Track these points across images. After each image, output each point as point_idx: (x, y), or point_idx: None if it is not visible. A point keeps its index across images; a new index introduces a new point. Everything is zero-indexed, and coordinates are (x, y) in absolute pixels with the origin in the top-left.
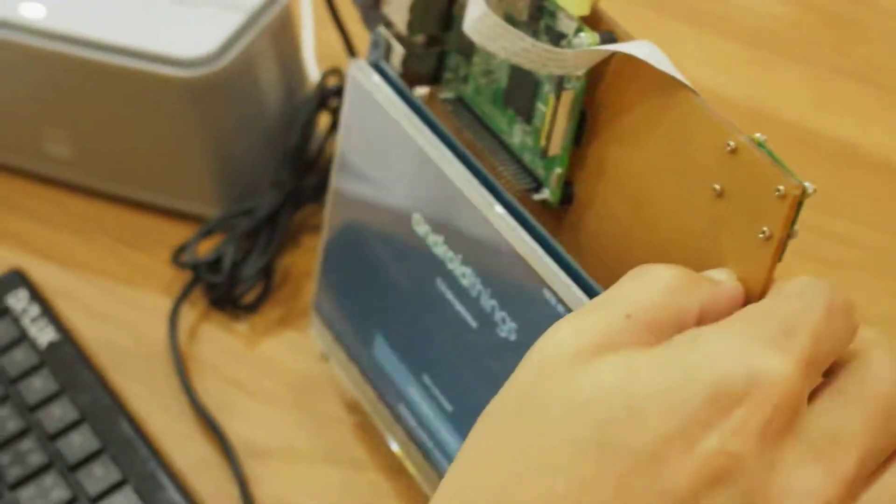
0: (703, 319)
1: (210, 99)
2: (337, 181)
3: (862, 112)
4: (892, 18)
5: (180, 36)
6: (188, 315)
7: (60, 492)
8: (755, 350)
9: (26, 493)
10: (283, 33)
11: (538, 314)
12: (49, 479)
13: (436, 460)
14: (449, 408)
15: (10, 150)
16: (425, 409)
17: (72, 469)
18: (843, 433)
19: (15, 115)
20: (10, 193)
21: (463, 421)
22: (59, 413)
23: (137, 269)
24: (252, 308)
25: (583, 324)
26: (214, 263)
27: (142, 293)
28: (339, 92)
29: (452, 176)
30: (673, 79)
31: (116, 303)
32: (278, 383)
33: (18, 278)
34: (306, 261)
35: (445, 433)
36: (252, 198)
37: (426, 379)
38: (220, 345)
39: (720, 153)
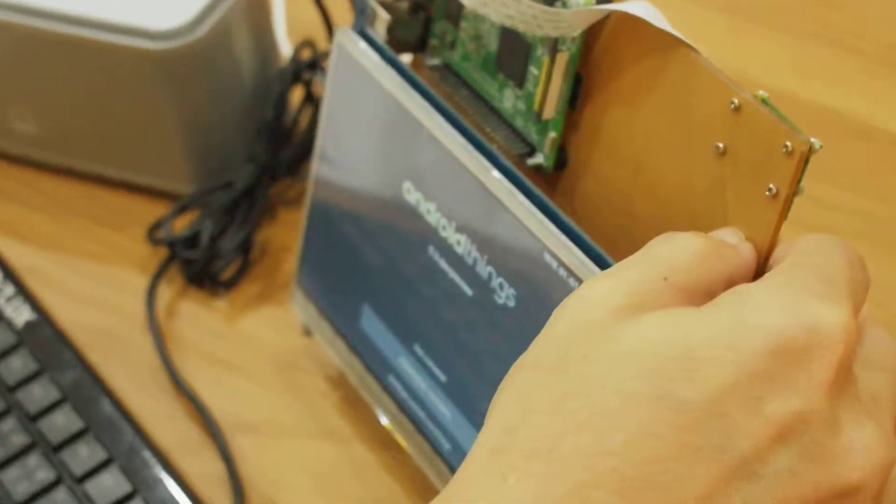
0: (730, 286)
1: (184, 72)
2: (320, 152)
3: (843, 79)
4: None
5: (152, 8)
6: (165, 292)
7: (45, 472)
8: (808, 303)
9: (10, 474)
10: (256, 5)
11: (539, 279)
12: (33, 460)
13: (428, 431)
14: (443, 378)
15: None
16: (417, 379)
17: (56, 449)
18: (879, 395)
19: None
20: None
21: (457, 390)
22: (39, 393)
23: (111, 247)
24: (230, 284)
25: (619, 282)
26: (191, 239)
27: (117, 272)
28: (312, 65)
29: (446, 142)
30: (672, 37)
31: (91, 282)
32: (260, 359)
33: None
34: (284, 235)
35: (439, 403)
36: (226, 173)
37: (418, 349)
38: (199, 321)
39: (723, 111)
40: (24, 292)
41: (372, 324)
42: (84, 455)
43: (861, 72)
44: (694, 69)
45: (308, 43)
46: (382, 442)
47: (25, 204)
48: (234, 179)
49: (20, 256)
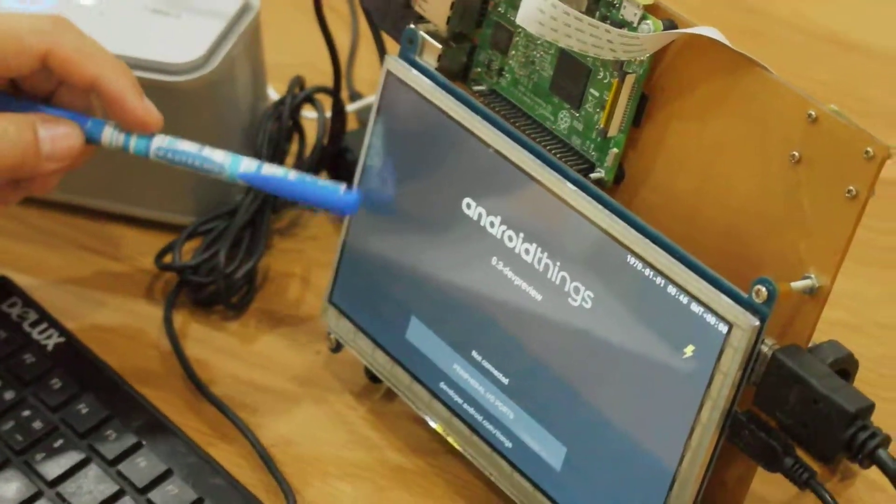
0: None
1: (194, 104)
2: (363, 177)
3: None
4: None
5: (166, 43)
6: (175, 317)
7: (106, 485)
8: None
9: (70, 487)
10: (254, 39)
11: (622, 279)
12: (92, 472)
13: (486, 431)
14: (504, 380)
15: None
16: (473, 384)
17: (112, 463)
18: None
19: None
20: None
21: (521, 391)
22: (85, 411)
23: (111, 276)
24: (241, 308)
25: None
26: (198, 266)
27: (124, 298)
28: (308, 98)
29: (515, 159)
30: (744, 57)
31: (101, 308)
32: (282, 378)
33: (7, 285)
34: (282, 262)
35: (500, 405)
36: (222, 204)
37: (475, 355)
38: (214, 344)
39: (800, 122)
40: (47, 317)
41: (420, 334)
42: (143, 466)
43: None
44: (768, 85)
45: (298, 78)
46: (416, 449)
47: (21, 239)
48: (236, 208)
49: (29, 289)
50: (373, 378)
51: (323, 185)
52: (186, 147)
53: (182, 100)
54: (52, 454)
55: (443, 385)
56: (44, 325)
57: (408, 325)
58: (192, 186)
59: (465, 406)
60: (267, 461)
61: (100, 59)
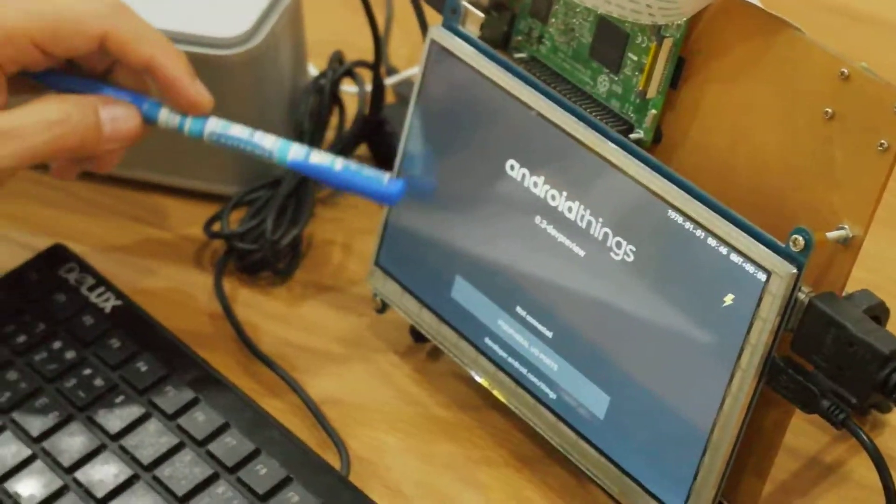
0: None
1: (240, 77)
2: (407, 143)
3: None
4: None
5: (212, 19)
6: (224, 283)
7: (167, 438)
8: None
9: (133, 440)
10: (296, 15)
11: (663, 233)
12: (152, 425)
13: (530, 383)
14: (548, 334)
15: None
16: (518, 338)
17: (171, 417)
18: None
19: None
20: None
21: (565, 343)
22: (144, 369)
23: (160, 244)
24: (287, 274)
25: None
26: (245, 233)
27: (173, 266)
28: (349, 72)
29: (558, 120)
30: (777, 18)
31: (152, 276)
32: (327, 339)
33: (63, 251)
34: (324, 230)
35: (545, 358)
36: (265, 174)
37: (520, 310)
38: (261, 308)
39: (832, 80)
40: (104, 281)
41: (465, 292)
42: (201, 420)
43: None
44: (801, 45)
45: (338, 54)
46: (461, 405)
47: (73, 211)
48: (280, 178)
49: (82, 257)
50: (417, 338)
51: (367, 176)
52: (238, 132)
53: (227, 73)
54: (114, 409)
55: (488, 341)
56: (101, 289)
57: (453, 284)
58: (237, 156)
59: (510, 360)
60: (317, 415)
61: (155, 42)
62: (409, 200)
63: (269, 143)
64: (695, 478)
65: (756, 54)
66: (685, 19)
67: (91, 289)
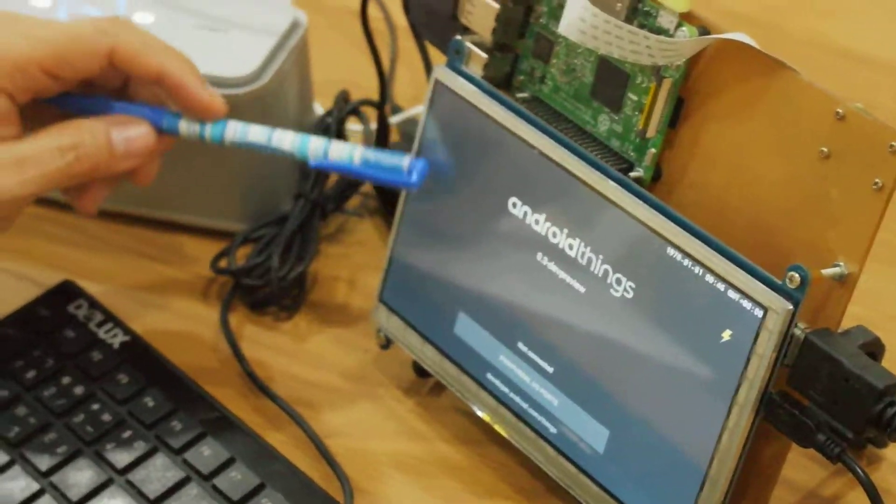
0: None
1: (248, 116)
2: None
3: None
4: None
5: (219, 58)
6: (231, 318)
7: (174, 471)
8: None
9: (140, 474)
10: (303, 55)
11: (662, 269)
12: (159, 460)
13: (531, 418)
14: (549, 369)
15: None
16: (519, 374)
17: (178, 452)
18: None
19: None
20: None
21: (566, 379)
22: (151, 404)
23: (167, 280)
24: (293, 309)
25: None
26: (251, 269)
27: (179, 302)
28: (354, 111)
29: (559, 159)
30: (774, 59)
31: (160, 312)
32: (333, 374)
33: (72, 288)
34: (330, 266)
35: (545, 393)
36: (271, 211)
37: (521, 346)
38: (267, 343)
39: (828, 120)
40: (112, 317)
41: (468, 329)
42: (208, 454)
43: None
44: (798, 86)
45: (344, 93)
46: (463, 440)
47: (81, 247)
48: (286, 214)
49: (92, 294)
50: (420, 373)
51: (387, 166)
52: (256, 135)
53: (234, 112)
54: (121, 444)
55: (490, 376)
56: (109, 325)
57: (456, 321)
58: (244, 194)
59: (512, 395)
60: (322, 450)
61: (162, 51)
62: (415, 227)
63: (287, 143)
64: None
65: (753, 94)
66: (684, 60)
67: (99, 325)
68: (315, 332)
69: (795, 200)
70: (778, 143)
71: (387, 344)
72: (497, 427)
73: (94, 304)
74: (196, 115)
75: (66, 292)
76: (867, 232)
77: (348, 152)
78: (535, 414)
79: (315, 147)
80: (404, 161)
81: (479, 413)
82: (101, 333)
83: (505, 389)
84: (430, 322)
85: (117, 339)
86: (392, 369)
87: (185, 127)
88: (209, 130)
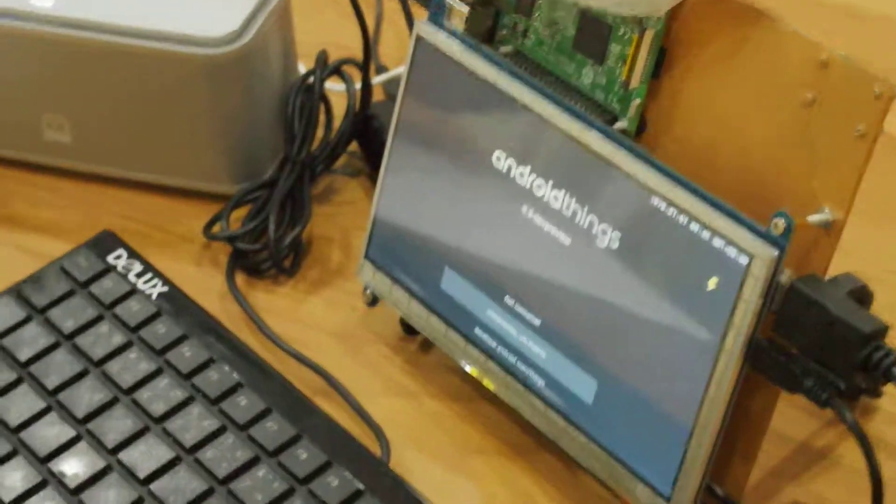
0: None
1: (229, 77)
2: (395, 138)
3: None
4: None
5: (201, 18)
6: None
7: (210, 420)
8: None
9: (176, 423)
10: (285, 14)
11: (647, 219)
12: (196, 409)
13: (519, 371)
14: (536, 322)
15: (10, 140)
16: (506, 327)
17: (214, 401)
18: None
19: (18, 101)
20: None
21: (553, 331)
22: (188, 354)
23: (161, 245)
24: (292, 272)
25: None
26: (245, 234)
27: (176, 265)
28: (337, 70)
29: (543, 112)
30: (756, 8)
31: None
32: (322, 333)
33: (112, 238)
34: (320, 227)
35: (533, 345)
36: (259, 173)
37: (508, 300)
38: (258, 305)
39: (812, 66)
40: (151, 267)
41: (454, 284)
42: (244, 405)
43: None
44: (780, 33)
45: (324, 52)
46: (452, 396)
47: (59, 209)
48: (273, 178)
49: None
50: (408, 330)
51: None
52: None
53: (216, 72)
54: (158, 393)
55: (477, 330)
56: (148, 276)
57: (442, 276)
58: (226, 154)
59: (499, 349)
60: (356, 407)
61: None
62: (399, 183)
63: None
64: (682, 461)
65: (735, 43)
66: (666, 10)
67: (139, 275)
68: (302, 292)
69: (780, 148)
70: (761, 91)
71: (373, 301)
72: (485, 382)
73: (132, 254)
74: None
75: (104, 242)
76: (852, 179)
77: None
78: (523, 367)
79: None
80: None
81: (467, 368)
82: (140, 284)
83: (492, 344)
84: (417, 278)
85: (156, 289)
86: (380, 327)
87: None
88: None
